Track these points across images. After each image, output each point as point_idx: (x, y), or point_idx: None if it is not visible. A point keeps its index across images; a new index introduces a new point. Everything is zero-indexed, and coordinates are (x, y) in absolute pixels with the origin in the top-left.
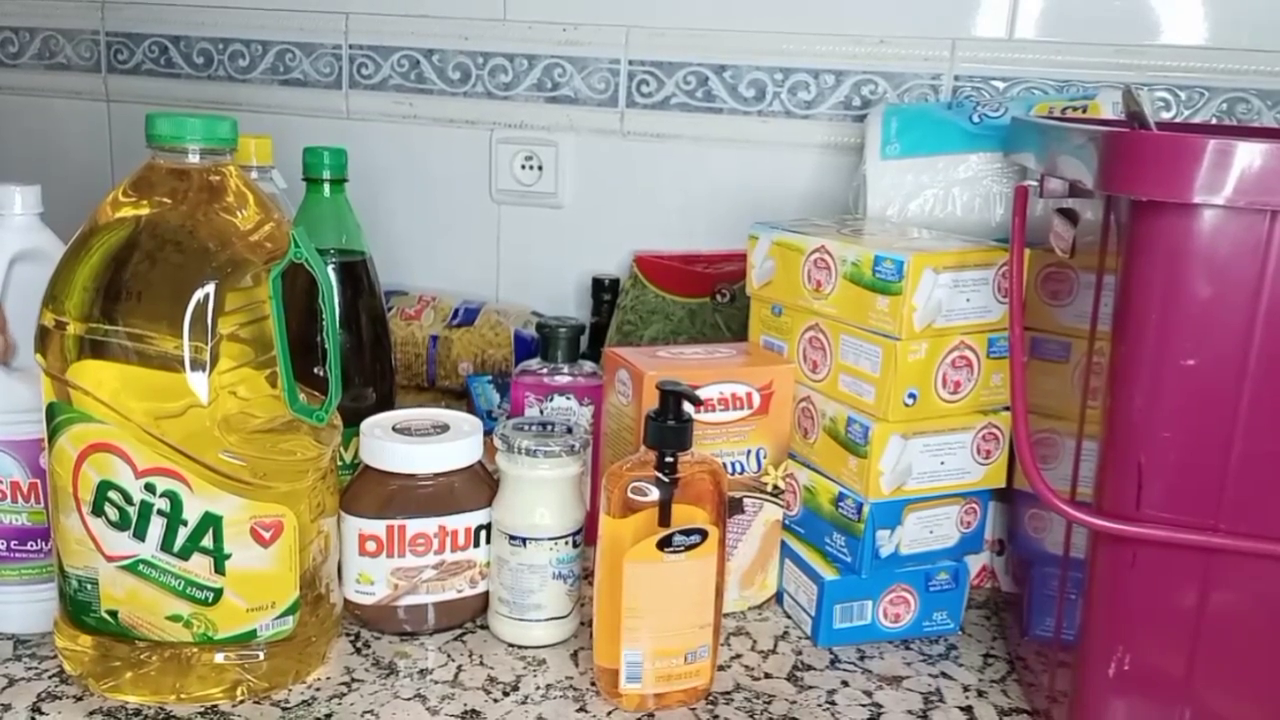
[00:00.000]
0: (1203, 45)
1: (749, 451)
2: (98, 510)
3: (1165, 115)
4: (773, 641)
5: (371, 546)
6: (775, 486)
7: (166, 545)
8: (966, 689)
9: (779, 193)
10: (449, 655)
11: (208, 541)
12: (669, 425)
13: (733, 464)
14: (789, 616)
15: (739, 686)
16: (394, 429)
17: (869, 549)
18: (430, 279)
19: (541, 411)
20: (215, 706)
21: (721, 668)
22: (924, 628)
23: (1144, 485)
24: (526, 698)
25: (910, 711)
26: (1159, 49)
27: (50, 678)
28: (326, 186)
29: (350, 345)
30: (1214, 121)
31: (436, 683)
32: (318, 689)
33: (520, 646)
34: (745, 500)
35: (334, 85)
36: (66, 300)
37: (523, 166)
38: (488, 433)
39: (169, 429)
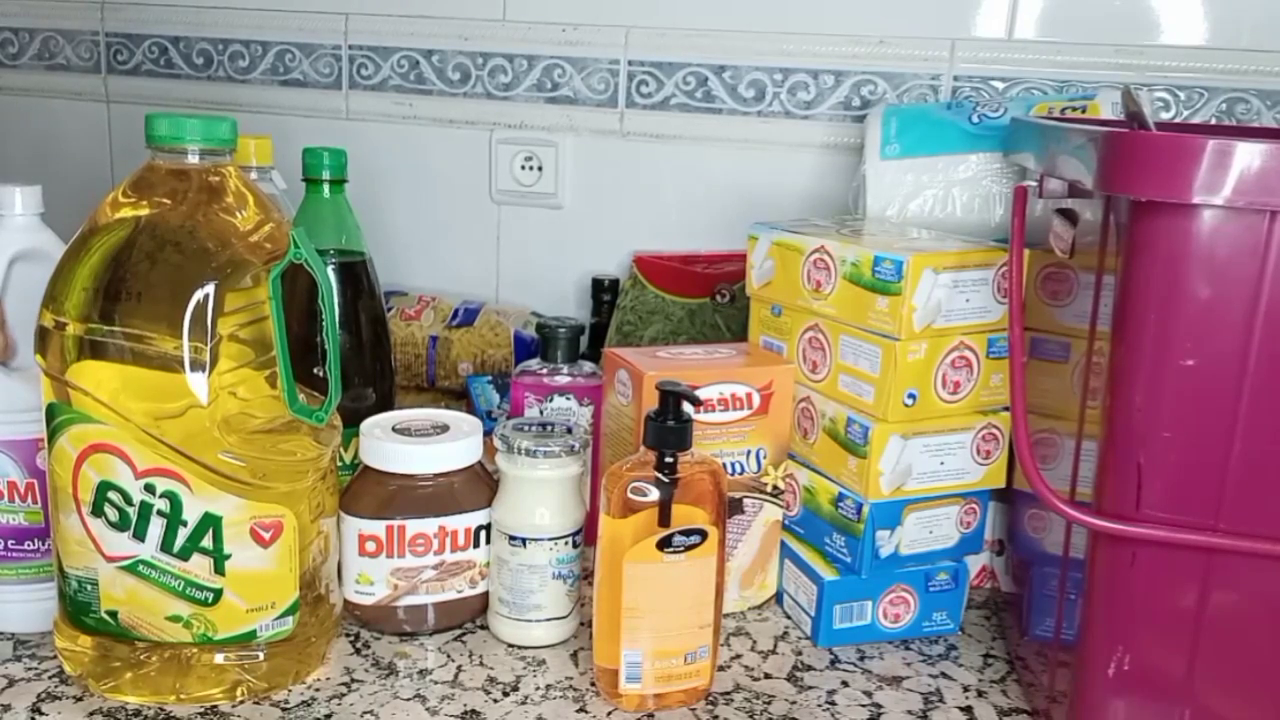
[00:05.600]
0: (1202, 45)
1: (749, 452)
2: (97, 511)
3: (1165, 115)
4: (773, 642)
5: (371, 547)
6: (775, 487)
7: (166, 546)
8: (966, 689)
9: (779, 193)
10: (449, 655)
11: (207, 542)
12: (669, 425)
13: (733, 464)
14: (789, 617)
15: (739, 687)
16: (394, 429)
17: (869, 549)
18: (430, 279)
19: (541, 412)
20: (215, 707)
21: (721, 668)
22: (924, 628)
23: (1144, 485)
24: (526, 698)
25: (910, 712)
26: (1159, 49)
27: (50, 678)
28: (326, 187)
29: (350, 345)
30: (1214, 121)
31: (436, 683)
32: (317, 689)
33: (520, 647)
34: (745, 500)
35: (334, 86)
36: (66, 300)
37: (523, 167)
38: (488, 433)
39: (169, 429)
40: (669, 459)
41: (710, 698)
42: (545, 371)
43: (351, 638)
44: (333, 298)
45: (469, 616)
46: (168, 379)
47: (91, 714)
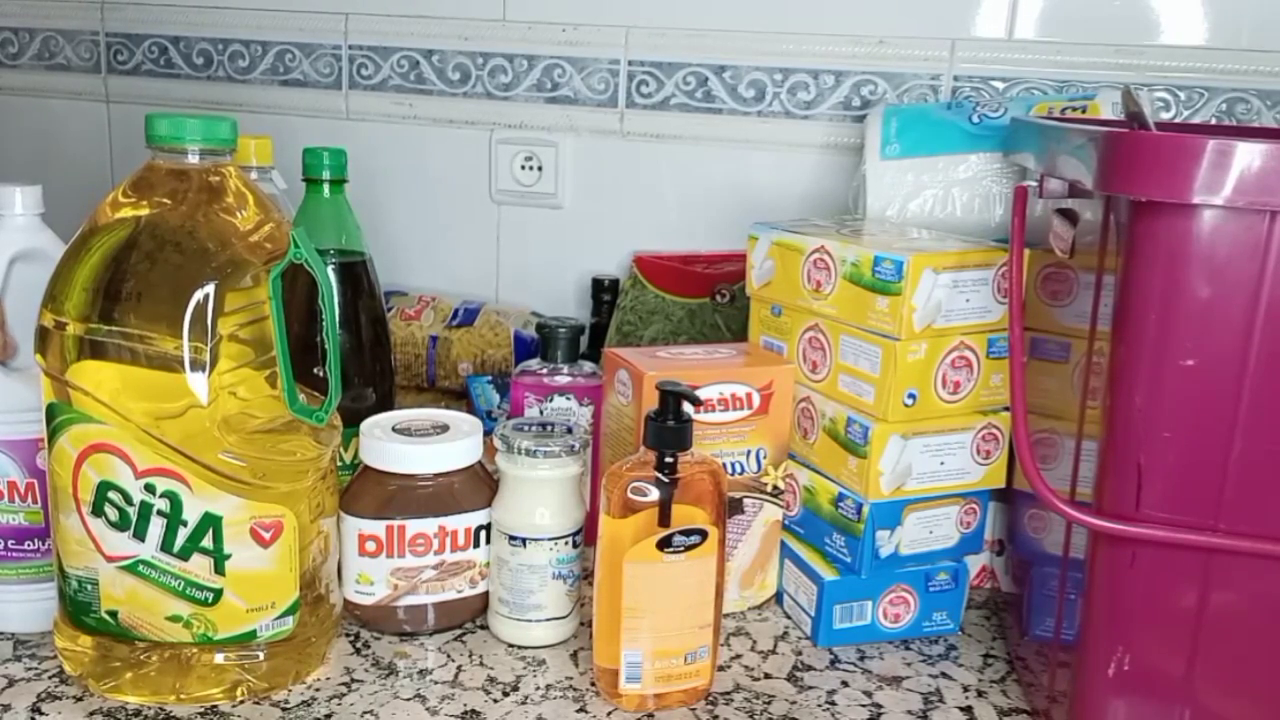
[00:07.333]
0: (1203, 45)
1: (749, 452)
2: (98, 511)
3: (1165, 115)
4: (773, 642)
5: (371, 547)
6: (775, 487)
7: (166, 546)
8: (966, 689)
9: (779, 193)
10: (449, 655)
11: (208, 542)
12: (669, 425)
13: (733, 464)
14: (789, 617)
15: (739, 687)
16: (394, 429)
17: (869, 549)
18: (430, 279)
19: (541, 412)
20: (215, 707)
21: (721, 668)
22: (924, 628)
23: (1144, 485)
24: (526, 698)
25: (910, 712)
26: (1159, 49)
27: (50, 678)
28: (326, 187)
29: (350, 345)
30: (1214, 121)
31: (436, 683)
32: (317, 689)
33: (520, 647)
34: (745, 500)
35: (334, 86)
36: (66, 300)
37: (523, 167)
38: (488, 433)
39: (169, 429)
40: (669, 459)
41: (710, 698)
42: (545, 371)
43: (351, 638)
44: (333, 298)
45: (469, 616)
46: (168, 379)
47: (91, 714)
